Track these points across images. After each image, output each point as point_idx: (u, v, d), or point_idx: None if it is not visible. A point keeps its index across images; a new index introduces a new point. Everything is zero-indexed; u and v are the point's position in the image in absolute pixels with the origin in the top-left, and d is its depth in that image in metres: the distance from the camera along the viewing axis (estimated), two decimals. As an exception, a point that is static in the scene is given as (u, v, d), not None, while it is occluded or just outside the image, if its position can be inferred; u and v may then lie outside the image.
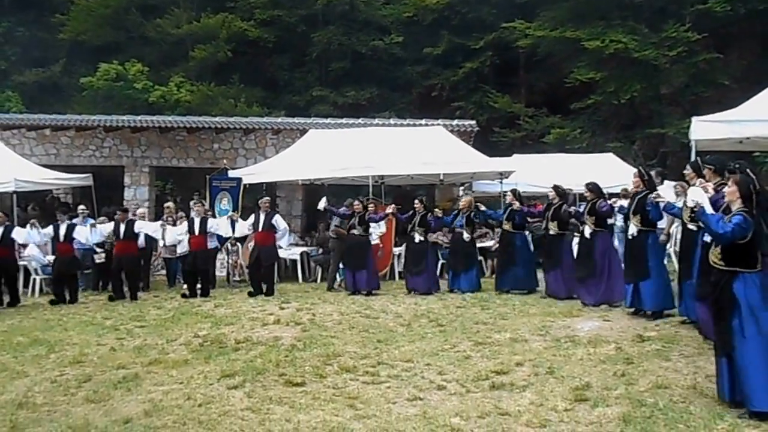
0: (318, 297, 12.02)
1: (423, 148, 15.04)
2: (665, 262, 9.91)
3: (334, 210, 13.39)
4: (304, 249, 15.59)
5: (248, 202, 15.85)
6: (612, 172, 15.73)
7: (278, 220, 12.85)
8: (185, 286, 13.15)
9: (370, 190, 14.55)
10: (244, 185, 15.35)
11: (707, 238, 6.23)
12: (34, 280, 13.74)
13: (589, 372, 6.33)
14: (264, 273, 12.65)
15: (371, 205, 12.93)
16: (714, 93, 22.55)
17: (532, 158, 18.15)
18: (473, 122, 20.08)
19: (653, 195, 8.55)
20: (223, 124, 19.06)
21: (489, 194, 16.21)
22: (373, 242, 13.06)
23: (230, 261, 14.77)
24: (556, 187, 11.16)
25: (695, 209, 5.70)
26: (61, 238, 12.40)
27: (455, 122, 19.91)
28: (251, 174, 15.53)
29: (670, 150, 23.28)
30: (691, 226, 7.84)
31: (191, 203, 14.35)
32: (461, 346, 7.61)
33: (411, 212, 12.66)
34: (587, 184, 10.62)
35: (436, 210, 12.69)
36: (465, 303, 10.73)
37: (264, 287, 12.43)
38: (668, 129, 22.75)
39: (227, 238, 13.87)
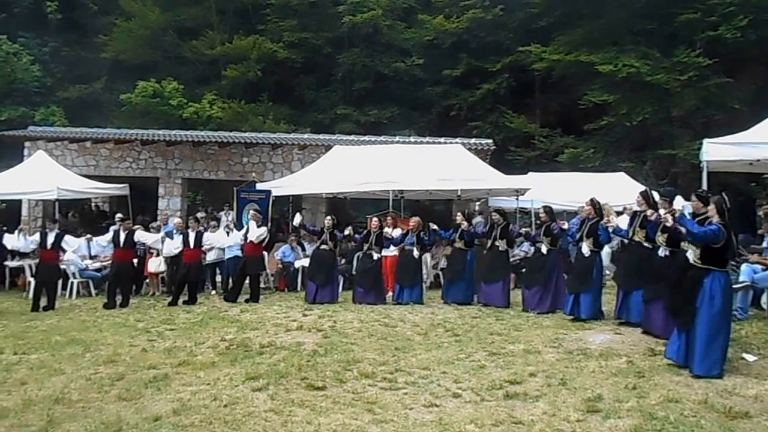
0: (339, 305, 12.04)
1: (441, 165, 15.30)
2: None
3: (306, 226, 13.66)
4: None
5: (274, 214, 16.26)
6: (623, 191, 15.44)
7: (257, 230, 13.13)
8: (213, 292, 13.83)
9: (390, 204, 14.98)
10: (273, 197, 15.58)
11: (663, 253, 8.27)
12: (72, 283, 14.16)
13: (601, 384, 6.33)
14: (251, 281, 13.00)
15: (389, 218, 13.31)
16: (724, 116, 22.64)
17: (546, 176, 18.36)
18: (490, 141, 20.40)
19: (604, 221, 9.76)
20: (252, 140, 19.74)
21: (504, 210, 16.30)
22: (390, 254, 13.40)
23: None
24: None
25: (675, 214, 7.14)
26: (48, 246, 12.54)
27: (473, 141, 20.23)
28: (278, 187, 15.97)
29: (680, 170, 23.41)
30: (646, 244, 8.90)
31: (189, 219, 14.40)
32: (476, 355, 7.63)
33: (366, 231, 13.01)
34: (543, 207, 11.86)
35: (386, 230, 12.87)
36: (480, 314, 10.76)
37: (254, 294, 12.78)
38: (679, 150, 22.94)
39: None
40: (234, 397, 6.12)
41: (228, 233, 13.93)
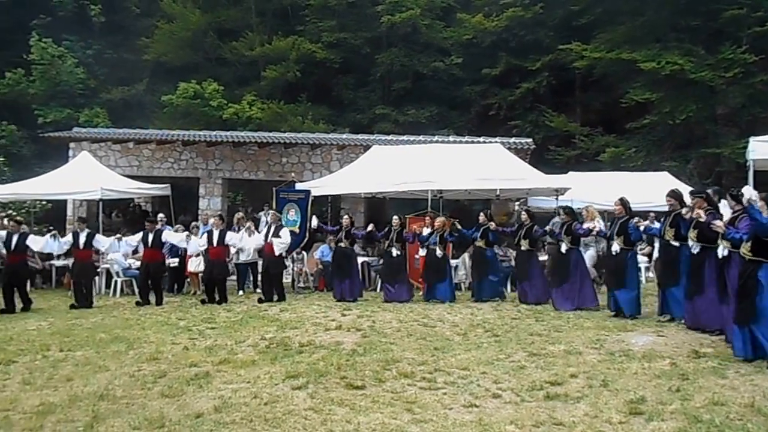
0: (378, 305, 12.16)
1: (480, 165, 15.23)
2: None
3: (324, 227, 14.27)
4: (365, 259, 15.81)
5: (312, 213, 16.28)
6: (666, 191, 15.32)
7: (285, 233, 13.40)
8: (240, 292, 14.02)
9: (429, 203, 14.93)
10: (312, 197, 15.53)
11: (695, 250, 8.63)
12: (116, 282, 14.49)
13: (644, 386, 6.22)
14: (273, 281, 13.17)
15: (427, 217, 13.55)
16: (771, 114, 22.11)
17: (587, 176, 18.18)
18: (530, 140, 20.24)
19: (635, 219, 10.20)
20: (291, 140, 19.86)
21: (544, 210, 16.29)
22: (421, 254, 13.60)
23: (295, 268, 15.22)
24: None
25: (749, 202, 7.12)
26: (81, 245, 12.84)
27: (512, 140, 20.06)
28: (317, 187, 15.99)
29: (725, 169, 23.07)
30: (674, 243, 9.25)
31: (212, 218, 14.75)
32: (516, 356, 7.57)
33: (387, 229, 13.47)
34: (564, 207, 12.30)
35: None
36: (520, 315, 10.73)
37: (275, 295, 12.96)
38: (724, 149, 22.58)
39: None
40: (274, 395, 6.14)
41: (250, 234, 13.96)
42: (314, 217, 14.09)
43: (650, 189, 14.95)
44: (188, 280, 14.91)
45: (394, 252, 13.12)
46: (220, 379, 6.80)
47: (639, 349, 7.82)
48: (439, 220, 13.29)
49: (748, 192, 7.42)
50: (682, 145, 25.02)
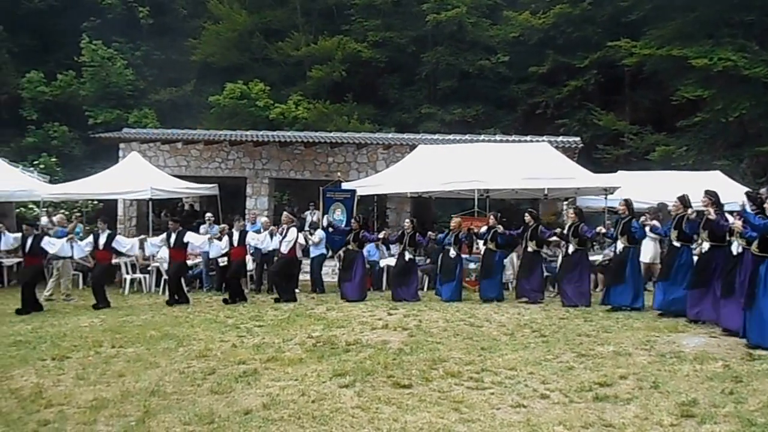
0: (424, 304, 12.09)
1: (528, 164, 15.05)
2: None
3: (335, 226, 14.36)
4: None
5: (359, 213, 16.11)
6: (719, 191, 14.84)
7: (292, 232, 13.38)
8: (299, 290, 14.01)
9: (476, 203, 14.93)
10: (357, 197, 15.72)
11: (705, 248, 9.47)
12: (164, 280, 14.36)
13: (696, 388, 6.09)
14: (286, 281, 13.21)
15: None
16: (828, 111, 21.51)
17: (637, 175, 17.81)
18: (578, 139, 20.00)
19: (642, 218, 11.18)
20: (337, 140, 19.91)
21: (593, 209, 16.15)
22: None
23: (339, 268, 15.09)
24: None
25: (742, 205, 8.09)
26: (101, 247, 12.81)
27: (560, 139, 19.84)
28: (363, 186, 16.05)
29: None
30: (675, 243, 10.24)
31: (234, 219, 14.95)
32: (564, 356, 7.47)
33: (401, 232, 13.73)
34: (573, 208, 12.92)
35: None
36: (568, 315, 10.61)
37: (285, 294, 12.94)
38: None
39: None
40: (321, 393, 6.17)
41: (272, 236, 13.85)
42: (325, 216, 14.33)
43: (702, 189, 14.32)
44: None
45: (407, 256, 13.29)
46: (267, 377, 6.84)
47: (690, 350, 7.67)
48: (455, 221, 13.43)
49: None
50: (735, 143, 24.57)
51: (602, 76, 28.02)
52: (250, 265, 14.65)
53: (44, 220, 16.66)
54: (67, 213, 19.01)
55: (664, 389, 6.10)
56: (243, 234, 13.36)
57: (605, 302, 11.33)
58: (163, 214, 20.42)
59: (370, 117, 30.11)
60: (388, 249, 15.59)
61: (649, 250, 13.39)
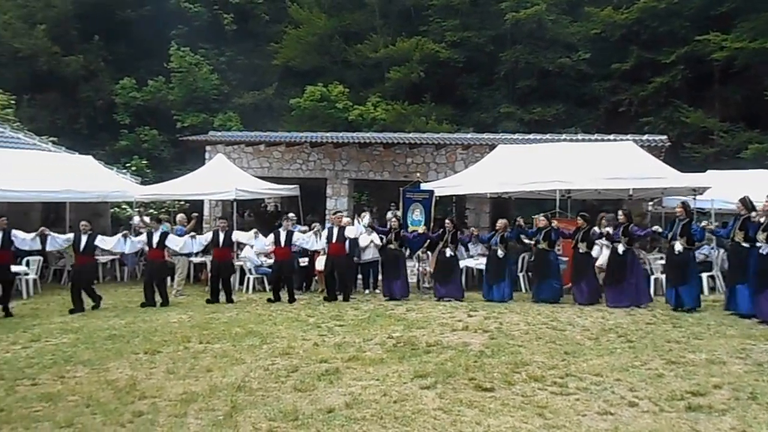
0: (505, 306, 11.92)
1: (611, 163, 14.58)
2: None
3: (376, 227, 14.60)
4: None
5: (437, 214, 16.16)
6: None
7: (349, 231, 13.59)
8: (367, 291, 14.33)
9: (557, 204, 14.60)
10: (436, 197, 15.52)
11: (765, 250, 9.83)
12: (248, 278, 14.97)
13: None
14: (339, 281, 13.37)
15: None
16: None
17: (728, 174, 17.07)
18: (664, 137, 19.37)
19: (704, 223, 11.86)
20: (416, 140, 19.88)
21: (668, 209, 15.48)
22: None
23: (420, 269, 15.18)
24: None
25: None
26: (154, 245, 13.17)
27: (645, 137, 19.24)
28: (442, 187, 15.88)
29: None
30: (744, 244, 10.44)
31: (283, 219, 15.17)
32: (652, 363, 7.24)
33: (441, 230, 13.74)
34: (622, 209, 12.85)
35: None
36: (655, 320, 10.26)
37: (341, 294, 13.18)
38: None
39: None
40: (403, 394, 6.18)
41: (318, 236, 13.97)
42: (367, 215, 14.61)
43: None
44: (316, 278, 15.17)
45: (448, 252, 13.39)
46: (349, 376, 6.91)
47: (790, 360, 7.27)
48: (501, 222, 13.53)
49: None
50: (834, 140, 23.33)
51: (690, 72, 27.08)
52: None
53: (136, 219, 17.37)
54: (155, 213, 19.70)
55: (762, 401, 5.85)
56: (290, 234, 13.57)
57: (671, 303, 11.47)
58: (247, 215, 20.85)
59: (448, 117, 29.99)
60: (467, 250, 15.47)
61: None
